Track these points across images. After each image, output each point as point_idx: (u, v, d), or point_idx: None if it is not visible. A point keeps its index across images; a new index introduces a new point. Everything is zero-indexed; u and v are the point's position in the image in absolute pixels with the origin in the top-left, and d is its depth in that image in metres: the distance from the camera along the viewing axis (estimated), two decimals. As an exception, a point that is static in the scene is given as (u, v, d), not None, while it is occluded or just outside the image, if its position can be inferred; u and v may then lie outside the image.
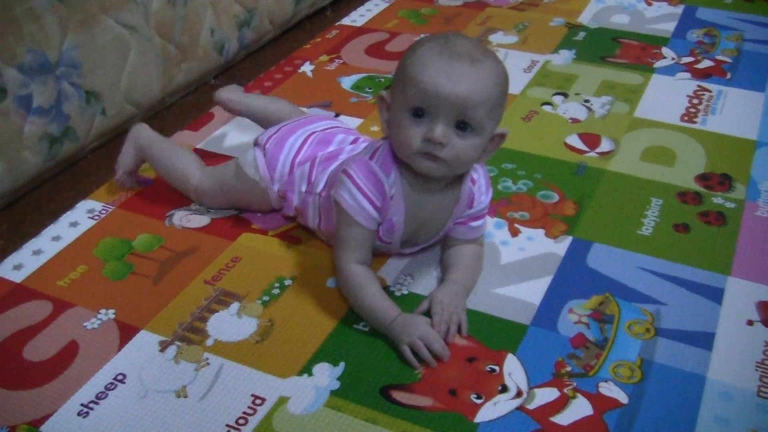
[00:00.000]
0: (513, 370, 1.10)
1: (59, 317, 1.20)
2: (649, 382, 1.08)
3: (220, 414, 1.04)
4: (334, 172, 1.23)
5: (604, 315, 1.19)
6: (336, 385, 1.08)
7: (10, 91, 1.38)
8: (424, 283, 1.26)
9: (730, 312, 1.20)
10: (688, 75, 1.89)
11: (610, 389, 1.07)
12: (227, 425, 1.02)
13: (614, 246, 1.33)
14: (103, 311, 1.21)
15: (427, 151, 1.09)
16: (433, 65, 1.06)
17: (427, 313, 1.15)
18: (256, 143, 1.36)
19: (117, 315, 1.20)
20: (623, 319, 1.19)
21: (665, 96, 1.80)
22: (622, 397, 1.06)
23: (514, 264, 1.30)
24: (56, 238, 1.36)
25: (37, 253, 1.33)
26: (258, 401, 1.06)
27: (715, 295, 1.23)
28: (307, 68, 1.93)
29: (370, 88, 1.84)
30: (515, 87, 1.79)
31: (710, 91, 1.82)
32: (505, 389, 1.07)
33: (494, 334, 1.16)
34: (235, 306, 1.21)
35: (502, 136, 1.16)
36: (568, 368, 1.10)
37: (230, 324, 1.18)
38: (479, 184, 1.23)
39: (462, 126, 1.08)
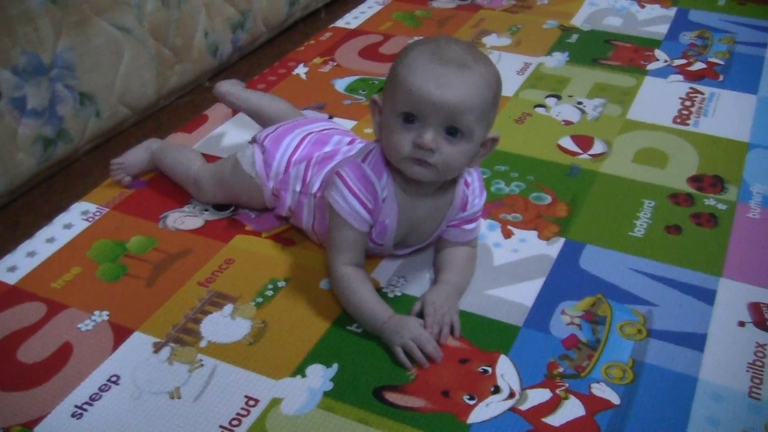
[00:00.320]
0: (505, 371, 1.10)
1: (53, 319, 1.20)
2: (641, 383, 1.09)
3: (214, 415, 1.04)
4: (330, 174, 1.24)
5: (596, 316, 1.20)
6: (329, 386, 1.08)
7: (4, 93, 1.38)
8: (418, 285, 1.26)
9: (722, 313, 1.21)
10: (680, 77, 1.89)
11: (602, 390, 1.08)
12: (221, 426, 1.02)
13: (607, 247, 1.34)
14: (97, 313, 1.21)
15: (417, 157, 1.09)
16: (423, 71, 1.06)
17: (420, 315, 1.16)
18: (254, 140, 1.37)
19: (111, 316, 1.20)
20: (615, 320, 1.19)
21: (658, 98, 1.80)
22: (614, 398, 1.06)
23: (507, 265, 1.30)
24: (50, 240, 1.36)
25: (31, 254, 1.33)
26: (251, 402, 1.06)
27: (707, 296, 1.24)
28: (300, 70, 1.94)
29: (363, 90, 1.84)
30: (508, 89, 1.80)
31: (703, 93, 1.82)
32: (497, 390, 1.07)
33: (487, 336, 1.16)
34: (228, 308, 1.22)
35: (495, 141, 1.16)
36: (561, 369, 1.11)
37: (224, 325, 1.18)
38: (473, 187, 1.23)
39: (452, 132, 1.08)
